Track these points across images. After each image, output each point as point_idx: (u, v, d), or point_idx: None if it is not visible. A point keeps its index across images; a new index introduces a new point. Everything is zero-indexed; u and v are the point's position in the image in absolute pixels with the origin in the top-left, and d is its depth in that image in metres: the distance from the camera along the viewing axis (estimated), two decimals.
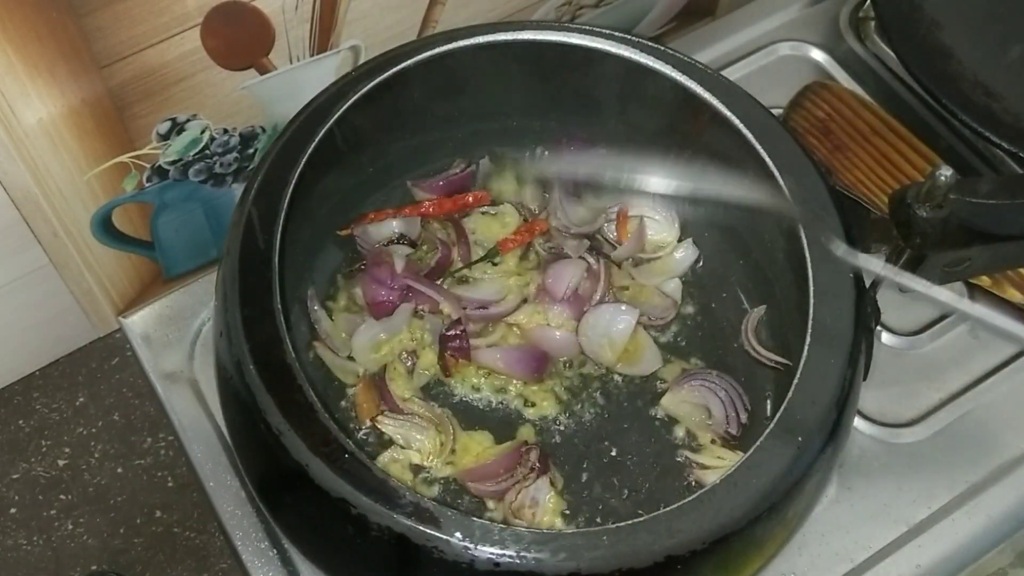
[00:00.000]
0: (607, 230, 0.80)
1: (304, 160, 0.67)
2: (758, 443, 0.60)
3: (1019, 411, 0.78)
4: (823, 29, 0.96)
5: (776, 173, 0.68)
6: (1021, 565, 0.80)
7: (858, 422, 0.76)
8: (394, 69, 0.71)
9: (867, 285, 0.67)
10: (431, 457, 0.71)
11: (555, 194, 0.80)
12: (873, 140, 0.86)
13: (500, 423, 0.73)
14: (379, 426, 0.71)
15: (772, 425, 0.61)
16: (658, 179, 0.81)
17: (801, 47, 0.95)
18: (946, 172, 0.57)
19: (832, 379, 0.62)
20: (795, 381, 0.62)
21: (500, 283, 0.77)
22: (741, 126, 0.70)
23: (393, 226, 0.78)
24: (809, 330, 0.63)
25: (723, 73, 0.74)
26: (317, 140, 0.68)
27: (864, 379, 0.67)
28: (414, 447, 0.71)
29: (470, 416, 0.73)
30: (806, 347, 0.63)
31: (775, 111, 0.87)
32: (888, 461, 0.76)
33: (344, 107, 0.69)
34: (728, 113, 0.70)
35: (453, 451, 0.71)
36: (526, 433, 0.73)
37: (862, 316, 0.64)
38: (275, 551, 0.71)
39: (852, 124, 0.87)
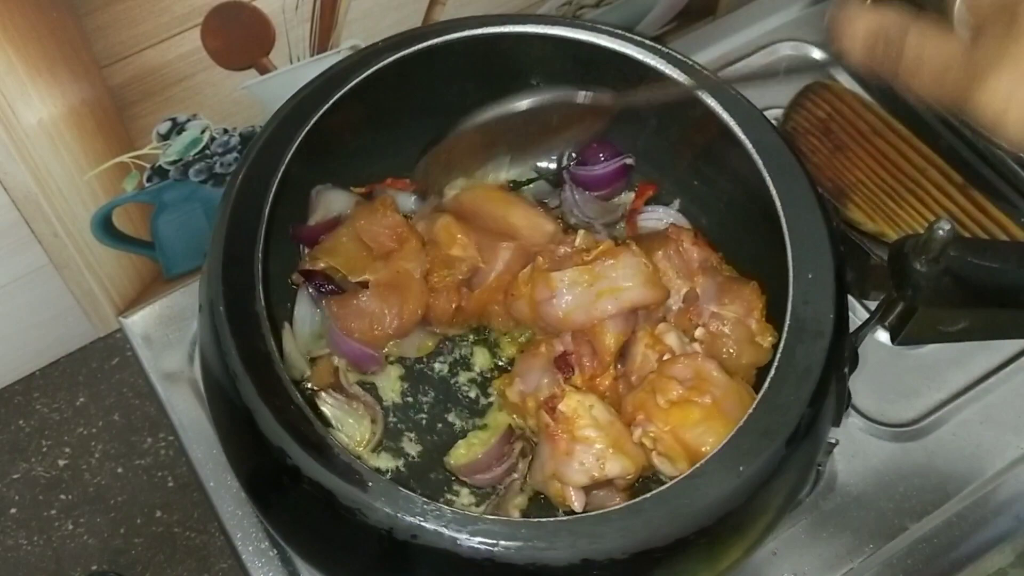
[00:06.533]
0: (620, 229, 0.80)
1: (290, 155, 0.66)
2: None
3: (1019, 411, 0.78)
4: (823, 29, 0.96)
5: (779, 207, 0.65)
6: (1021, 565, 0.80)
7: (858, 422, 0.77)
8: (380, 64, 0.70)
9: (851, 329, 0.64)
10: (361, 446, 0.71)
11: (566, 192, 0.80)
12: (873, 140, 0.86)
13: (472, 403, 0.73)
14: (318, 402, 0.71)
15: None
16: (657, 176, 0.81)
17: (801, 47, 0.95)
18: (944, 226, 0.56)
19: (790, 416, 0.59)
20: (750, 411, 0.59)
21: None
22: (745, 139, 0.68)
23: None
24: (778, 355, 0.61)
25: (723, 73, 0.74)
26: (303, 136, 0.66)
27: (837, 425, 0.65)
28: (345, 431, 0.71)
29: (448, 396, 0.73)
30: (769, 378, 0.60)
31: (776, 111, 0.88)
32: (888, 461, 0.76)
33: (335, 97, 0.68)
34: (732, 122, 0.69)
35: (380, 444, 0.71)
36: (503, 419, 0.72)
37: (835, 359, 0.61)
38: (275, 551, 0.71)
39: (852, 124, 0.87)
